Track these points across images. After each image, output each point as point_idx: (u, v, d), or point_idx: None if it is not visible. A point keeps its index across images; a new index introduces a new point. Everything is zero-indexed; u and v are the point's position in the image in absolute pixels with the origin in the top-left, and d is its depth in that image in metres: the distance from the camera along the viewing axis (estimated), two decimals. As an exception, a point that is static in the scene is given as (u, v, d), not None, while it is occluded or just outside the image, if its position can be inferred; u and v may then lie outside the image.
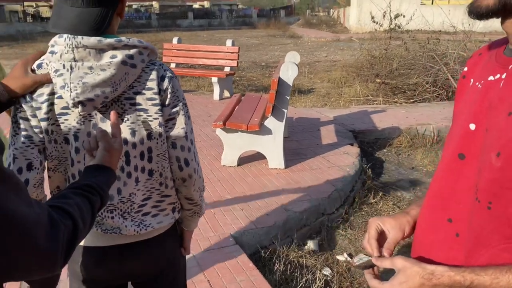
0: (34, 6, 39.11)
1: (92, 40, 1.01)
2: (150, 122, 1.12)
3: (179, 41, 7.91)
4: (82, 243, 1.19)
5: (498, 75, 0.74)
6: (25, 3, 35.65)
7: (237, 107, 4.54)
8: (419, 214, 0.94)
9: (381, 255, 0.93)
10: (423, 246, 0.88)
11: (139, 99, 1.10)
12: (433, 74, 7.40)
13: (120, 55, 1.04)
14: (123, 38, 1.05)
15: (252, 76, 10.57)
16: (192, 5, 46.96)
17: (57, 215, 0.70)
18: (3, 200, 0.56)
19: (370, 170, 4.22)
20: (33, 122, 1.09)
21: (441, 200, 0.82)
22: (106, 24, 1.04)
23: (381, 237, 0.97)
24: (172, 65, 7.77)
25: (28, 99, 1.07)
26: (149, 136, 1.14)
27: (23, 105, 1.08)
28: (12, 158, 1.10)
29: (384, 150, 5.07)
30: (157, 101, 1.11)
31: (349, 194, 3.74)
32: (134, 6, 42.61)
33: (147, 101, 1.10)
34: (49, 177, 1.18)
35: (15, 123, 1.10)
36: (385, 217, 1.01)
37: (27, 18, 33.34)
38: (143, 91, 1.10)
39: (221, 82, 7.18)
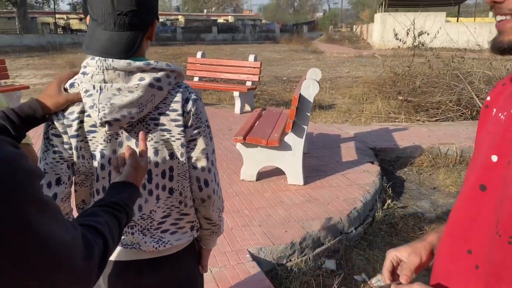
0: (65, 18, 40.43)
1: (122, 63, 1.05)
2: (172, 142, 1.15)
3: (203, 56, 8.04)
4: None
5: None
6: (57, 16, 36.92)
7: (257, 121, 4.57)
8: (439, 242, 0.93)
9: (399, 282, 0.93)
10: (442, 275, 0.87)
11: (163, 119, 1.13)
12: (457, 92, 7.30)
13: (148, 77, 1.08)
14: (151, 62, 1.09)
15: (273, 90, 10.62)
16: (216, 20, 47.71)
17: (90, 234, 0.74)
18: (45, 229, 0.59)
19: (390, 189, 4.17)
20: (64, 138, 1.14)
21: (461, 230, 0.81)
22: (136, 47, 1.08)
23: (400, 268, 0.97)
24: (195, 79, 7.90)
25: (60, 116, 1.12)
26: (171, 155, 1.17)
27: (55, 122, 1.13)
28: (43, 172, 1.14)
29: (405, 169, 5.00)
30: (181, 122, 1.14)
31: (369, 213, 3.69)
32: (161, 20, 43.51)
33: (171, 122, 1.14)
34: (75, 191, 1.22)
35: (46, 139, 1.15)
36: (401, 247, 1.01)
37: (58, 30, 34.49)
38: (168, 112, 1.13)
39: (243, 96, 7.25)
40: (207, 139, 1.20)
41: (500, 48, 0.74)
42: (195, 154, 1.19)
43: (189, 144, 1.18)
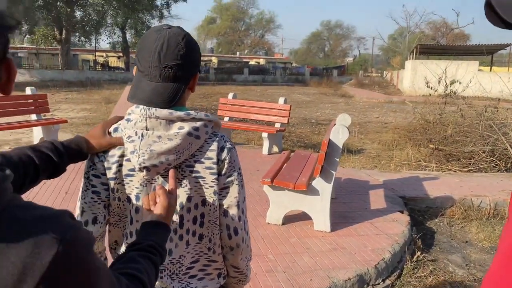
0: (104, 56, 42.57)
1: (164, 112, 1.11)
2: (205, 190, 1.18)
3: (234, 97, 8.24)
4: None
5: None
6: (97, 53, 38.95)
7: (285, 164, 4.59)
8: None
9: None
10: None
11: (198, 167, 1.17)
12: (490, 143, 7.13)
13: (187, 126, 1.13)
14: (191, 112, 1.14)
15: (301, 132, 10.68)
16: (248, 62, 49.05)
17: (132, 284, 0.78)
18: None
19: (420, 240, 4.04)
20: (103, 179, 1.19)
21: None
22: (178, 98, 1.15)
23: None
24: (226, 119, 8.07)
25: (101, 158, 1.18)
26: (203, 202, 1.19)
27: (96, 163, 1.19)
28: (80, 210, 1.20)
29: (436, 220, 4.85)
30: (215, 170, 1.17)
31: (397, 265, 3.57)
32: (194, 60, 45.09)
33: (206, 169, 1.17)
34: (109, 231, 1.26)
35: (87, 179, 1.20)
36: None
37: (97, 67, 36.27)
38: (203, 160, 1.17)
39: (271, 137, 7.32)
40: (239, 187, 1.22)
41: None
42: (226, 201, 1.21)
43: (222, 191, 1.20)
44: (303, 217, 4.12)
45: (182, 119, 1.13)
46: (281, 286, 2.93)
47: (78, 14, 32.87)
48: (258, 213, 4.31)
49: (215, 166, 1.17)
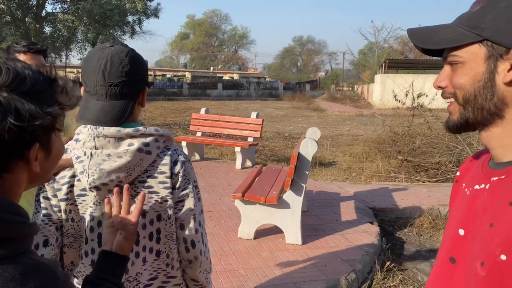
0: (75, 72, 41.87)
1: (112, 130, 1.11)
2: (160, 204, 1.17)
3: (207, 112, 8.25)
4: None
5: (483, 185, 0.78)
6: (67, 69, 38.27)
7: (257, 178, 4.60)
8: None
9: None
10: None
11: (151, 182, 1.16)
12: (456, 154, 7.37)
13: (136, 143, 1.12)
14: (140, 128, 1.14)
15: (275, 146, 10.76)
16: (222, 77, 49.23)
17: None
18: None
19: (389, 250, 4.11)
20: (53, 201, 1.17)
21: None
22: (127, 115, 1.15)
23: None
24: (198, 134, 8.05)
25: (51, 180, 1.16)
26: (159, 217, 1.19)
27: (45, 186, 1.17)
28: None
29: (405, 230, 4.95)
30: (168, 184, 1.17)
31: (367, 276, 3.61)
32: (168, 75, 44.95)
33: (159, 184, 1.17)
34: (64, 252, 1.24)
35: (37, 201, 1.19)
36: None
37: (68, 83, 35.52)
38: (156, 175, 1.16)
39: (244, 151, 7.34)
40: (195, 199, 1.22)
41: (449, 127, 0.82)
42: (182, 215, 1.20)
43: (177, 205, 1.20)
44: (275, 230, 4.13)
45: (131, 136, 1.12)
46: (252, 301, 2.92)
47: (47, 30, 32.34)
48: (230, 228, 4.29)
49: (168, 180, 1.17)
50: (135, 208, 1.07)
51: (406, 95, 9.38)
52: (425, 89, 11.76)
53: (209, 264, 1.28)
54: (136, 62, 1.15)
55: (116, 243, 1.02)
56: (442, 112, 10.85)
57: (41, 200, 1.18)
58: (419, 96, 9.43)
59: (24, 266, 0.63)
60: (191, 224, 1.21)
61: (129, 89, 1.14)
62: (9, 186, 0.69)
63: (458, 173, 0.94)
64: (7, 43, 30.21)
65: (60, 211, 1.18)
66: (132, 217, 1.05)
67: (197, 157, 7.99)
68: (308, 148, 4.03)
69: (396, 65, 31.05)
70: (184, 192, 1.20)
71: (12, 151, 0.67)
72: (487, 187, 0.77)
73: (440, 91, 0.84)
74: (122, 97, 1.14)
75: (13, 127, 0.64)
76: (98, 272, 0.98)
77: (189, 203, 1.20)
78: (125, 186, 1.07)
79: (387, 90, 24.68)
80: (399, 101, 9.22)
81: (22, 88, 0.67)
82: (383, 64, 28.89)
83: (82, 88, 1.18)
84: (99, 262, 1.00)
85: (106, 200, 1.08)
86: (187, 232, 1.20)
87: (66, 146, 1.19)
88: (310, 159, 4.04)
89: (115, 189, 1.09)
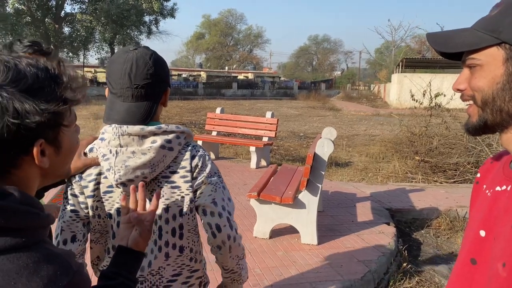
0: (93, 72, 42.50)
1: (136, 128, 1.14)
2: (182, 199, 1.21)
3: (222, 111, 8.28)
4: None
5: (504, 187, 0.78)
6: (85, 69, 38.87)
7: (272, 178, 4.61)
8: None
9: None
10: None
11: (174, 177, 1.20)
12: (475, 154, 7.25)
13: (159, 140, 1.16)
14: (162, 125, 1.18)
15: (289, 146, 10.74)
16: (237, 76, 49.34)
17: None
18: None
19: (406, 252, 4.07)
20: (81, 198, 1.21)
21: None
22: (152, 115, 1.19)
23: None
24: (214, 133, 8.09)
25: (77, 178, 1.21)
26: (181, 212, 1.21)
27: (73, 184, 1.21)
28: (60, 230, 1.22)
29: (422, 231, 4.89)
30: (189, 178, 1.20)
31: (383, 277, 3.59)
32: (184, 75, 45.28)
33: (181, 178, 1.20)
34: (90, 248, 1.28)
35: (65, 199, 1.23)
36: None
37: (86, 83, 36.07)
38: (178, 170, 1.20)
39: (259, 151, 7.35)
40: (212, 185, 1.23)
41: (468, 129, 0.82)
42: (201, 201, 1.21)
43: (195, 193, 1.22)
44: (290, 230, 4.13)
45: (154, 133, 1.16)
46: (268, 300, 2.93)
47: (66, 30, 32.89)
48: (245, 227, 4.31)
49: (189, 174, 1.20)
50: (150, 205, 1.08)
51: (424, 94, 9.26)
52: (443, 88, 11.58)
53: (241, 250, 1.27)
54: (159, 64, 1.19)
55: (131, 239, 1.04)
56: (461, 112, 10.66)
57: (69, 197, 1.22)
58: (436, 95, 9.30)
59: (37, 255, 0.66)
60: (212, 209, 1.21)
61: (153, 90, 1.18)
62: (18, 181, 0.72)
63: (478, 175, 0.93)
64: (27, 43, 30.82)
65: (87, 207, 1.21)
66: (148, 214, 1.07)
67: (212, 156, 8.04)
68: (324, 148, 4.01)
69: (413, 64, 30.68)
70: (201, 180, 1.22)
71: (15, 147, 0.69)
72: (508, 188, 0.76)
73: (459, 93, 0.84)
74: (147, 99, 1.18)
75: (11, 125, 0.66)
76: (113, 267, 1.00)
77: (206, 190, 1.22)
78: (140, 184, 1.09)
79: (404, 90, 24.40)
80: (417, 101, 9.10)
81: (23, 85, 0.69)
82: (400, 63, 28.57)
83: (107, 90, 1.22)
84: (115, 257, 1.03)
85: (122, 196, 1.10)
86: (210, 216, 1.21)
87: (91, 145, 1.22)
88: (326, 159, 4.03)
89: (132, 186, 1.11)
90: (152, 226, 1.09)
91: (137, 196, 1.08)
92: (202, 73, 48.05)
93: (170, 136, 1.17)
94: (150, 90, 1.17)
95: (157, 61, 1.18)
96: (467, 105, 0.83)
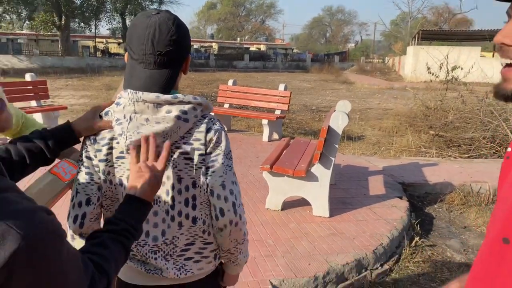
0: (104, 42, 42.29)
1: (151, 95, 1.12)
2: (195, 171, 1.19)
3: (234, 83, 8.21)
4: (131, 281, 1.25)
5: None
6: (97, 40, 38.67)
7: (285, 151, 4.59)
8: None
9: None
10: None
11: (187, 148, 1.18)
12: (491, 129, 7.12)
13: (175, 110, 1.13)
14: (179, 95, 1.15)
15: (302, 119, 10.67)
16: (249, 48, 48.70)
17: (97, 274, 0.83)
18: (68, 276, 0.73)
19: (418, 226, 4.06)
20: (94, 161, 1.20)
21: (482, 284, 0.80)
22: (173, 83, 1.16)
23: None
24: (226, 105, 8.05)
25: (92, 141, 1.20)
26: (194, 184, 1.20)
27: (88, 146, 1.20)
28: (75, 192, 1.21)
29: (435, 206, 4.87)
30: (202, 151, 1.18)
31: (395, 250, 3.60)
32: (195, 46, 44.86)
33: (194, 151, 1.18)
34: (103, 215, 1.28)
35: (81, 161, 1.22)
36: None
37: (97, 53, 36.04)
38: (192, 142, 1.18)
39: (271, 124, 7.32)
40: (224, 167, 1.21)
41: (504, 95, 0.74)
42: (211, 181, 1.20)
43: (207, 171, 1.20)
44: (302, 203, 4.14)
45: (170, 103, 1.13)
46: (280, 270, 2.96)
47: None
48: (257, 199, 4.33)
49: (203, 147, 1.18)
50: (161, 157, 1.09)
51: (440, 67, 9.04)
52: (460, 61, 11.29)
53: (241, 235, 1.27)
54: (181, 30, 1.15)
55: (140, 188, 1.04)
56: (478, 86, 10.42)
57: (84, 159, 1.21)
58: (453, 69, 9.08)
59: None
60: (220, 192, 1.20)
61: (175, 57, 1.15)
62: None
63: (509, 149, 0.89)
64: (39, 14, 30.68)
65: (99, 171, 1.21)
66: (158, 164, 1.08)
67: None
68: (338, 121, 3.97)
69: (430, 36, 29.86)
70: (214, 158, 1.20)
71: None
72: None
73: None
74: (169, 66, 1.15)
75: None
76: (118, 213, 1.01)
77: (218, 170, 1.20)
78: (151, 134, 1.10)
79: (420, 63, 23.86)
80: (433, 74, 8.91)
81: None
82: (416, 35, 27.84)
83: (126, 55, 1.18)
84: (121, 205, 1.03)
85: (131, 146, 1.10)
86: (216, 199, 1.20)
87: (108, 108, 1.21)
88: (340, 132, 3.98)
89: (142, 136, 1.10)
90: (162, 177, 1.09)
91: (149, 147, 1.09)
92: (213, 44, 47.53)
93: (186, 107, 1.15)
94: (172, 57, 1.14)
95: (179, 26, 1.14)
96: (505, 66, 0.74)
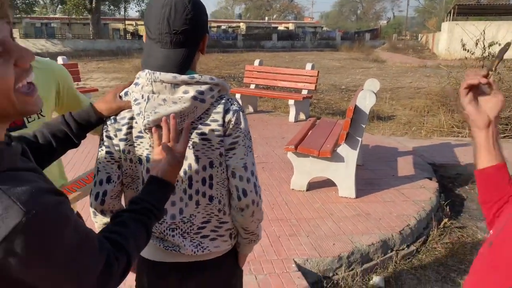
0: (134, 25, 42.73)
1: (168, 76, 1.12)
2: (212, 151, 1.19)
3: (261, 64, 8.15)
4: (150, 258, 1.29)
5: None
6: (126, 22, 39.12)
7: (310, 131, 4.55)
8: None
9: None
10: None
11: (204, 129, 1.18)
12: (529, 108, 6.79)
13: (192, 91, 1.13)
14: (196, 75, 1.14)
15: (330, 99, 10.51)
16: (277, 27, 48.08)
17: (116, 252, 0.84)
18: (76, 261, 0.74)
19: (448, 207, 3.97)
20: (115, 141, 1.23)
21: (506, 266, 0.77)
22: (190, 63, 1.16)
23: None
24: (252, 86, 8.02)
25: (112, 120, 1.22)
26: (211, 164, 1.21)
27: (108, 126, 1.23)
28: (96, 170, 1.25)
29: (466, 187, 4.73)
30: (220, 132, 1.18)
31: (423, 231, 3.54)
32: (223, 27, 44.68)
33: (212, 132, 1.18)
34: (123, 192, 1.30)
35: (101, 140, 1.25)
36: None
37: (127, 36, 36.52)
38: (209, 122, 1.18)
39: (298, 104, 7.24)
40: (245, 148, 1.22)
41: None
42: (233, 163, 1.21)
43: (228, 152, 1.21)
44: (328, 183, 4.11)
45: (187, 83, 1.13)
46: (304, 249, 2.97)
47: (106, -18, 32.94)
48: (282, 180, 4.34)
49: (220, 128, 1.18)
50: (181, 138, 1.10)
51: (476, 44, 8.64)
52: (498, 37, 10.72)
53: (261, 214, 1.29)
54: (198, 9, 1.14)
55: (162, 168, 1.06)
56: (516, 63, 9.92)
57: (104, 139, 1.24)
58: (491, 45, 8.64)
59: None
60: (242, 173, 1.21)
61: (192, 36, 1.14)
62: None
63: None
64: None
65: (119, 150, 1.23)
66: (179, 145, 1.09)
67: (250, 109, 8.02)
68: (366, 101, 3.88)
69: (466, 11, 28.52)
70: (234, 140, 1.20)
71: None
72: None
73: None
74: (185, 45, 1.15)
75: None
76: (140, 194, 1.03)
77: (239, 152, 1.21)
78: (172, 115, 1.10)
79: (454, 39, 22.87)
80: (468, 51, 8.53)
81: None
82: (452, 11, 26.63)
83: (145, 35, 1.19)
84: (144, 186, 1.06)
85: (153, 129, 1.12)
86: (238, 180, 1.21)
87: (127, 89, 1.23)
88: (367, 112, 3.90)
89: (163, 118, 1.11)
90: (183, 158, 1.10)
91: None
92: (241, 24, 47.18)
93: (203, 88, 1.15)
94: (189, 36, 1.13)
95: (196, 5, 1.13)
96: None
